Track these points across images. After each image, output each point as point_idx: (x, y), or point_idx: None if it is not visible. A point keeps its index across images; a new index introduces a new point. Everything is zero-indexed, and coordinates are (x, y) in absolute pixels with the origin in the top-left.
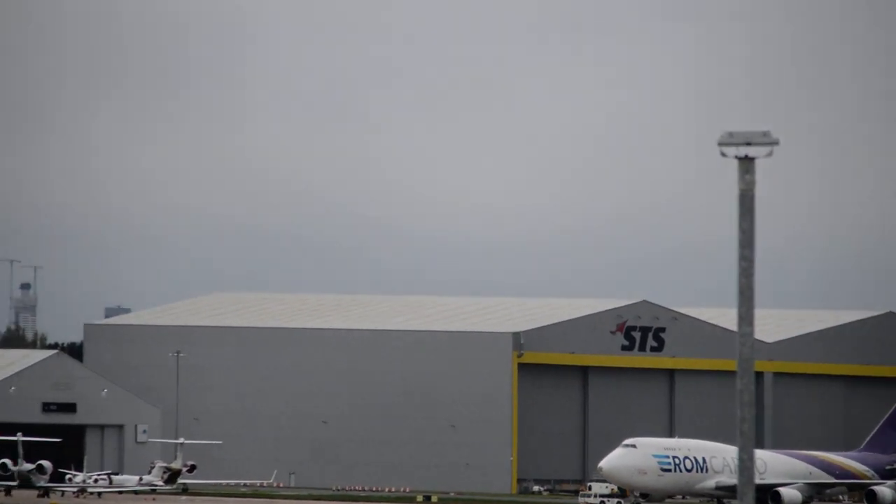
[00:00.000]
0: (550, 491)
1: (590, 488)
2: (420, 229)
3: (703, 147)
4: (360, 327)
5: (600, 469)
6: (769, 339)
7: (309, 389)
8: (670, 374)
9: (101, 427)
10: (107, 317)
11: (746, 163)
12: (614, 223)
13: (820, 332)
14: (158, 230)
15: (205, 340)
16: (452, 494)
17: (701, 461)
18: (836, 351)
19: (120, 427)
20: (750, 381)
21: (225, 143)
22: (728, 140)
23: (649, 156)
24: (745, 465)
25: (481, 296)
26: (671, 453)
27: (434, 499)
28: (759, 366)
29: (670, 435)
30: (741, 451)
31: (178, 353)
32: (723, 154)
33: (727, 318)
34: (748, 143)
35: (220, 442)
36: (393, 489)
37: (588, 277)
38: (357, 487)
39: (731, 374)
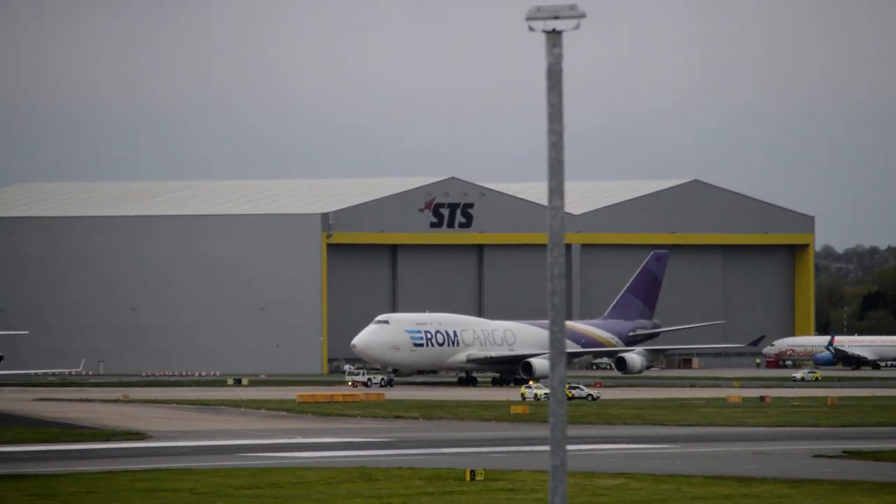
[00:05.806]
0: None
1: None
2: (218, 116)
3: (514, 24)
4: (167, 213)
5: (353, 346)
6: (577, 212)
7: (116, 276)
8: (479, 249)
9: None
10: None
11: (554, 36)
12: (419, 100)
13: (627, 202)
14: None
15: (9, 231)
16: (263, 377)
17: (452, 335)
18: (643, 220)
19: None
20: (561, 254)
21: None
22: (535, 14)
23: (459, 24)
24: (556, 336)
25: (290, 178)
26: (423, 328)
27: (245, 381)
28: (568, 238)
29: (479, 309)
30: (552, 323)
31: None
32: (531, 28)
33: (535, 191)
34: (555, 17)
35: (26, 332)
36: (204, 373)
37: (397, 156)
38: (168, 373)
39: (541, 247)
